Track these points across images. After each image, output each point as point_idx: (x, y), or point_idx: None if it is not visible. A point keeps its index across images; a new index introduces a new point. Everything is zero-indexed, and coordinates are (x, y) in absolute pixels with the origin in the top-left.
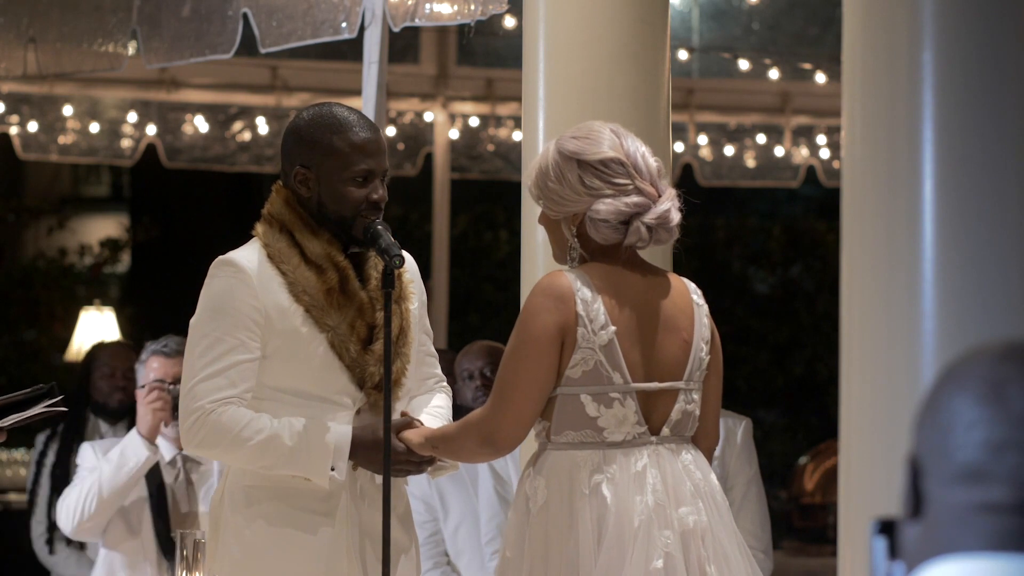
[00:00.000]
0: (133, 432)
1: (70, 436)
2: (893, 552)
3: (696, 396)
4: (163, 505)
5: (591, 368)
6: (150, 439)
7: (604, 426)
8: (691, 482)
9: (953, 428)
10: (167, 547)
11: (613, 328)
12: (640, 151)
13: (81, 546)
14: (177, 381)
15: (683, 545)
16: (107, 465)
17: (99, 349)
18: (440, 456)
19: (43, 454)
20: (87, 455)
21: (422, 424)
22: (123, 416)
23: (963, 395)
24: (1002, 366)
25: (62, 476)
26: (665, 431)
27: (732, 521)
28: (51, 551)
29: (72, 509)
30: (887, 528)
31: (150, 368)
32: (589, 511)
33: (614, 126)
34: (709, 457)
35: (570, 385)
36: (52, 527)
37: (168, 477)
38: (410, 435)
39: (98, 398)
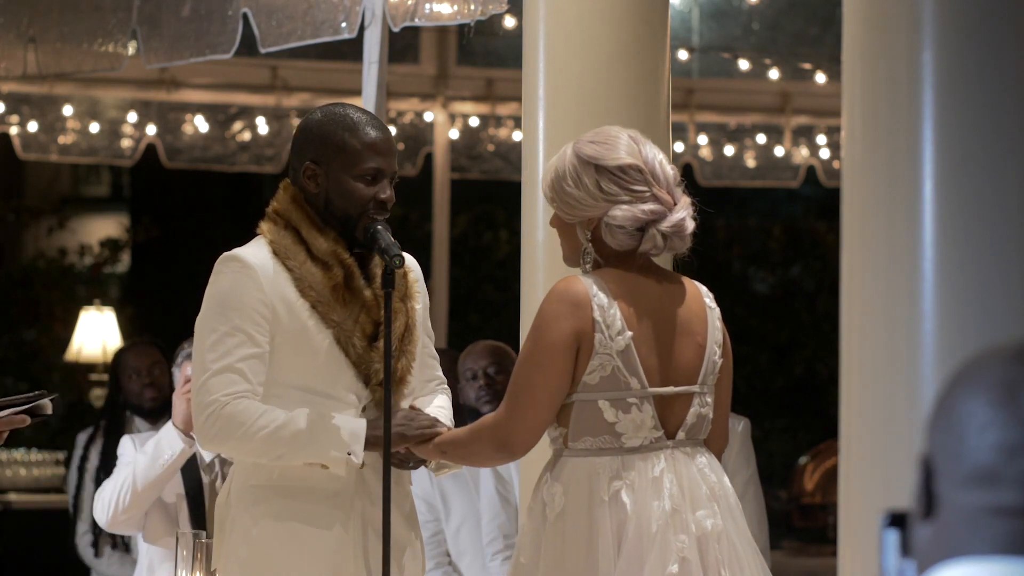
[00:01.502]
0: (169, 424)
1: (111, 439)
2: (904, 547)
3: (709, 399)
4: (200, 503)
5: (609, 374)
6: (185, 431)
7: (622, 431)
8: (707, 485)
9: (966, 430)
10: None
11: (630, 333)
12: (658, 158)
13: (127, 548)
14: None
15: (700, 548)
16: (143, 457)
17: (121, 353)
18: (450, 461)
19: (84, 458)
20: (127, 448)
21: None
22: (162, 414)
23: (976, 397)
24: (1015, 368)
25: (106, 481)
26: (680, 435)
27: (745, 524)
28: (96, 553)
29: (107, 501)
30: (897, 521)
31: (184, 373)
32: (609, 518)
33: (632, 132)
34: (719, 459)
35: (588, 391)
36: (98, 529)
37: (206, 478)
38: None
39: (132, 400)
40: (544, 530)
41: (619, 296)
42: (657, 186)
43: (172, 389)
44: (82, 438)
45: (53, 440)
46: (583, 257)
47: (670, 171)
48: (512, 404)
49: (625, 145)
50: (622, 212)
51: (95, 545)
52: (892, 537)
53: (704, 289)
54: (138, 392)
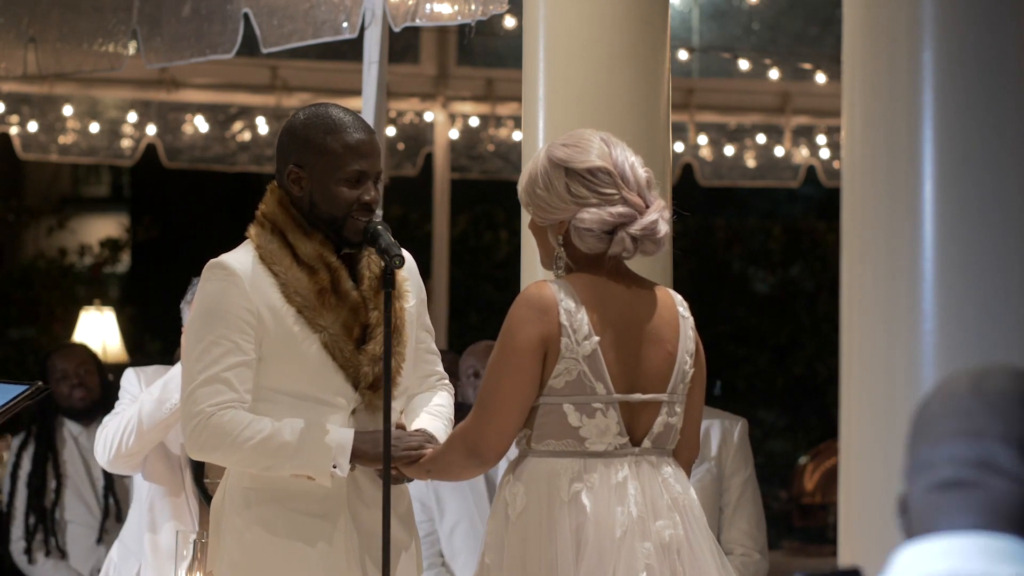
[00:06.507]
0: (178, 366)
1: (43, 444)
2: None
3: (679, 409)
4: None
5: (574, 378)
6: None
7: (586, 436)
8: (669, 495)
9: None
10: (204, 490)
11: (596, 339)
12: (629, 161)
13: (62, 555)
14: None
15: (659, 558)
16: (148, 398)
17: (48, 357)
18: (434, 478)
19: (16, 464)
20: (131, 380)
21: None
22: (93, 415)
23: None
24: (970, 377)
25: (39, 486)
26: (646, 443)
27: (711, 535)
28: (30, 560)
29: (110, 440)
30: None
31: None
32: (568, 519)
33: (604, 135)
34: (688, 469)
35: (553, 395)
36: (30, 536)
37: None
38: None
39: (62, 403)
40: (506, 530)
41: (587, 301)
42: (627, 189)
43: (101, 390)
44: (14, 443)
45: None
46: (555, 261)
47: (642, 174)
48: (480, 410)
49: (596, 148)
50: (590, 215)
51: (28, 552)
52: None
53: (678, 298)
54: (67, 394)
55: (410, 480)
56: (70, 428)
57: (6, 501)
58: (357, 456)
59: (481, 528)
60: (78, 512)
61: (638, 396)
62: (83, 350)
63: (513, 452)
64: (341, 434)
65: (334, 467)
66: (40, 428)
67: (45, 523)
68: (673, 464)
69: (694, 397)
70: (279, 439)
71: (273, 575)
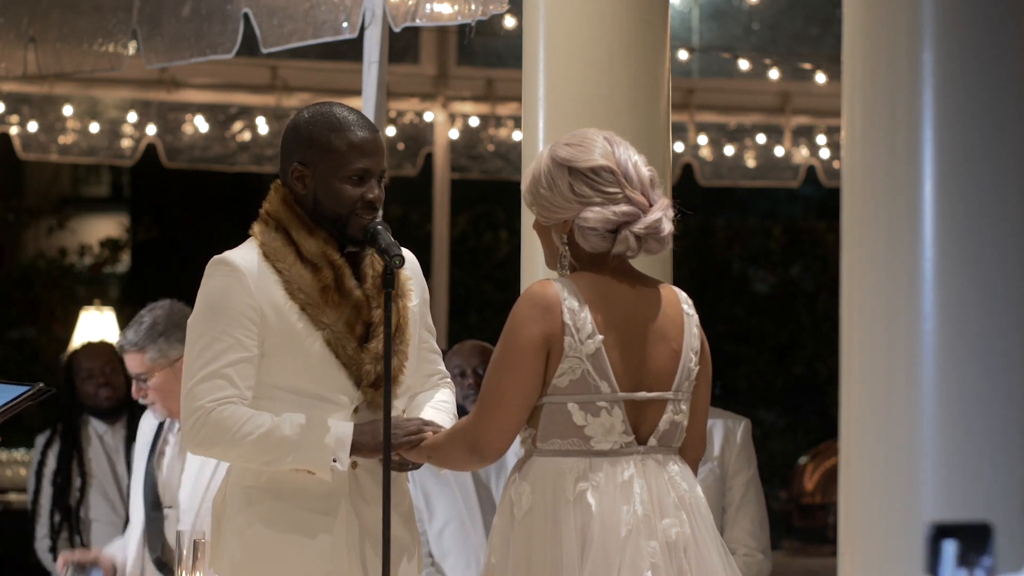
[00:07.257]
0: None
1: (68, 442)
2: (963, 558)
3: (684, 407)
4: (155, 506)
5: (578, 377)
6: None
7: (591, 435)
8: (676, 493)
9: None
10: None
11: (600, 337)
12: (632, 160)
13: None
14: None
15: (665, 557)
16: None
17: (74, 355)
18: (434, 465)
19: (42, 463)
20: (143, 428)
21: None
22: (119, 413)
23: None
24: None
25: (64, 484)
26: (652, 441)
27: (717, 533)
28: (55, 558)
29: None
30: (945, 533)
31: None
32: (573, 518)
33: (608, 134)
34: (695, 467)
35: (557, 394)
36: (55, 534)
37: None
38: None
39: (87, 402)
40: (512, 529)
41: (591, 300)
42: (630, 188)
43: (126, 389)
44: (40, 441)
45: None
46: (560, 261)
47: (645, 172)
48: (482, 407)
49: (599, 147)
50: (593, 214)
51: (53, 550)
52: (951, 548)
53: (683, 295)
54: (93, 393)
55: (414, 467)
56: (95, 427)
57: (31, 499)
58: (357, 448)
59: (471, 528)
60: (103, 510)
61: (643, 394)
62: (109, 349)
63: (515, 452)
64: (340, 428)
65: (334, 461)
66: (65, 426)
67: (70, 521)
68: (679, 462)
69: (700, 394)
70: (279, 434)
71: (274, 573)
